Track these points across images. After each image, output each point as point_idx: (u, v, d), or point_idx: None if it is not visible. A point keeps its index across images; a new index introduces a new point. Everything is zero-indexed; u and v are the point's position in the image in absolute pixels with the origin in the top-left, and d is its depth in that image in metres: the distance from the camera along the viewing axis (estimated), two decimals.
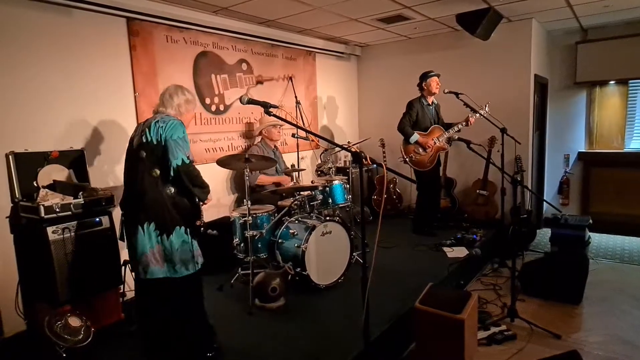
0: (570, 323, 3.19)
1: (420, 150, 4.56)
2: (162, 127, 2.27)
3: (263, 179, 4.20)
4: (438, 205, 5.05)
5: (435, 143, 4.58)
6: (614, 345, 2.84)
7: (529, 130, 5.18)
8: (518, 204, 4.47)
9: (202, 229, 2.52)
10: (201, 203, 2.48)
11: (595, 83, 5.50)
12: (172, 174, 2.26)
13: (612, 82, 5.42)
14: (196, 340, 2.41)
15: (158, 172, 2.27)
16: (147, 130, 2.29)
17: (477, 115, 4.29)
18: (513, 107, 5.08)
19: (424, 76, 4.62)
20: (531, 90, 5.12)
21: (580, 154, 5.74)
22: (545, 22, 5.21)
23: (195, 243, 2.39)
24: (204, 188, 2.41)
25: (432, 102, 4.72)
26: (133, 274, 2.40)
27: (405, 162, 4.57)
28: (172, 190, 2.30)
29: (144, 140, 2.28)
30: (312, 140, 5.19)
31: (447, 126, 4.66)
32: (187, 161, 2.27)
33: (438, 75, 4.62)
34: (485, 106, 4.34)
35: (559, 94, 5.81)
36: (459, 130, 4.55)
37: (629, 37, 5.12)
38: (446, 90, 3.97)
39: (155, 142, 2.26)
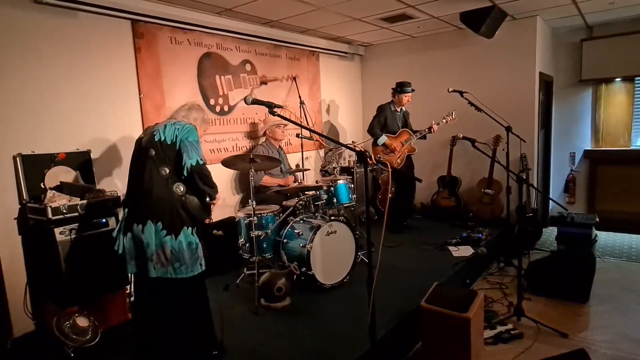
0: (577, 322, 3.17)
1: (388, 152, 4.77)
2: (178, 128, 2.34)
3: (267, 180, 4.22)
4: (411, 203, 5.35)
5: (402, 145, 4.79)
6: (622, 344, 2.83)
7: (534, 128, 5.16)
8: (524, 203, 4.45)
9: (210, 227, 2.53)
10: (211, 203, 2.51)
11: (601, 80, 5.47)
12: (185, 173, 2.29)
13: (618, 79, 5.38)
14: (200, 340, 2.42)
15: (167, 170, 2.29)
16: (160, 130, 2.34)
17: (443, 122, 4.67)
18: (518, 106, 5.06)
19: (400, 89, 4.82)
20: (536, 88, 5.09)
21: (586, 152, 5.70)
22: (550, 20, 5.18)
23: (200, 244, 2.40)
24: (214, 188, 2.45)
25: (401, 110, 4.94)
26: (132, 273, 2.39)
27: (375, 163, 4.65)
28: (182, 189, 2.31)
29: (156, 139, 2.31)
30: (317, 140, 5.21)
31: (414, 132, 4.88)
32: (201, 162, 2.33)
33: (413, 91, 4.83)
34: (452, 114, 4.69)
35: (564, 91, 5.77)
36: (424, 136, 4.82)
37: (635, 33, 5.08)
38: (450, 89, 3.96)
39: (169, 142, 2.30)
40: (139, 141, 2.44)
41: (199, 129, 2.52)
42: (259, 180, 4.17)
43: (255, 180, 4.08)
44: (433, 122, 4.71)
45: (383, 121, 4.83)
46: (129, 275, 2.97)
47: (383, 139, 4.74)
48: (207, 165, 2.41)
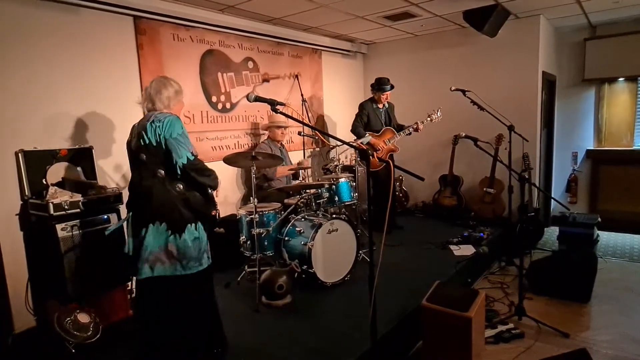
0: (578, 321, 3.17)
1: (372, 151, 4.64)
2: (159, 126, 2.21)
3: (280, 170, 4.25)
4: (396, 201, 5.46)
5: (386, 144, 4.72)
6: (624, 344, 2.82)
7: (537, 127, 5.14)
8: (525, 202, 4.44)
9: (217, 219, 2.50)
10: (214, 192, 2.48)
11: (604, 80, 5.45)
12: (179, 172, 2.24)
13: (621, 79, 5.37)
14: (206, 336, 2.42)
15: (163, 172, 2.25)
16: (143, 132, 2.24)
17: (428, 120, 4.63)
18: (521, 105, 5.05)
19: (378, 87, 4.77)
20: (539, 87, 5.08)
21: (588, 151, 5.69)
22: (553, 19, 5.16)
23: (205, 238, 2.39)
24: (212, 176, 2.39)
25: (384, 105, 4.87)
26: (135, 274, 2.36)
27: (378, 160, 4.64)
28: (181, 187, 2.28)
29: (142, 143, 2.24)
30: (318, 138, 5.20)
31: (400, 128, 4.82)
32: (192, 157, 2.25)
33: (392, 88, 4.79)
34: (437, 111, 4.66)
35: (567, 91, 5.76)
36: (409, 134, 4.74)
37: (639, 33, 5.06)
38: (453, 88, 3.95)
39: (155, 144, 2.22)
40: (129, 145, 2.38)
41: (176, 101, 2.39)
42: (274, 174, 4.22)
43: (270, 175, 4.14)
44: (418, 121, 4.65)
45: (366, 120, 4.78)
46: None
47: (367, 138, 4.63)
48: (198, 158, 2.32)
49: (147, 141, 2.22)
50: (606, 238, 5.16)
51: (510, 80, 5.16)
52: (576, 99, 5.72)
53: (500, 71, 5.22)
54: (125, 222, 2.38)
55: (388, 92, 4.77)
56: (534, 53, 5.01)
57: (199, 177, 2.30)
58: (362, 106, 4.87)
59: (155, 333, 2.34)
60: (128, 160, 2.43)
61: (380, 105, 4.85)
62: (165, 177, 2.25)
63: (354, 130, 4.79)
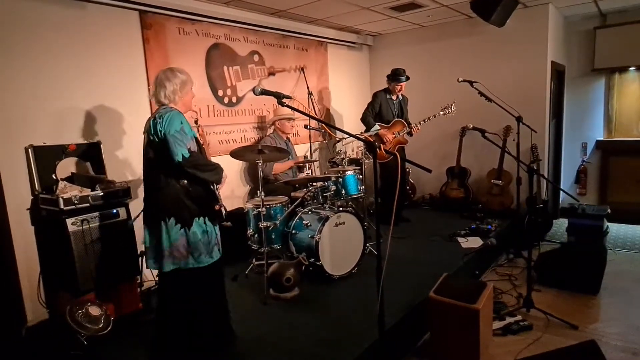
0: (587, 313, 3.15)
1: (380, 142, 4.58)
2: (159, 122, 2.23)
3: (278, 167, 4.23)
4: (404, 194, 5.36)
5: (395, 136, 4.66)
6: (633, 336, 2.81)
7: (546, 118, 5.09)
8: (534, 194, 4.40)
9: (223, 212, 2.52)
10: (217, 186, 2.48)
11: (615, 69, 5.37)
12: (177, 169, 2.26)
13: (632, 68, 5.28)
14: (215, 327, 2.45)
15: (167, 167, 2.28)
16: (149, 130, 2.29)
17: (440, 114, 4.55)
18: (529, 95, 4.99)
19: (393, 77, 4.70)
20: (548, 77, 5.02)
21: (598, 142, 5.62)
22: (563, 7, 5.08)
23: (216, 230, 2.42)
24: (215, 169, 2.38)
25: (398, 97, 4.81)
26: (150, 268, 2.41)
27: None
28: (185, 182, 2.30)
29: (150, 139, 2.29)
30: (325, 131, 5.19)
31: (408, 124, 4.75)
32: (187, 154, 2.22)
33: (407, 79, 4.72)
34: (452, 105, 4.57)
35: (576, 81, 5.68)
36: (409, 133, 4.70)
37: None
38: (460, 79, 3.92)
39: (157, 140, 2.25)
40: (144, 137, 2.38)
41: (184, 92, 2.37)
42: (271, 171, 4.18)
43: (266, 171, 4.11)
44: (415, 123, 4.63)
45: (377, 109, 4.73)
46: (141, 266, 3.00)
47: (376, 128, 4.58)
48: (195, 154, 2.29)
49: (152, 137, 2.27)
50: (616, 230, 5.11)
51: (519, 71, 5.10)
52: (586, 89, 5.64)
53: (508, 61, 5.16)
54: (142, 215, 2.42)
55: (403, 83, 4.70)
56: (542, 43, 4.94)
57: (199, 173, 2.30)
58: (375, 95, 4.81)
59: (168, 324, 2.38)
60: (136, 154, 2.45)
61: (394, 97, 4.78)
62: (170, 172, 2.28)
63: (363, 120, 4.74)
